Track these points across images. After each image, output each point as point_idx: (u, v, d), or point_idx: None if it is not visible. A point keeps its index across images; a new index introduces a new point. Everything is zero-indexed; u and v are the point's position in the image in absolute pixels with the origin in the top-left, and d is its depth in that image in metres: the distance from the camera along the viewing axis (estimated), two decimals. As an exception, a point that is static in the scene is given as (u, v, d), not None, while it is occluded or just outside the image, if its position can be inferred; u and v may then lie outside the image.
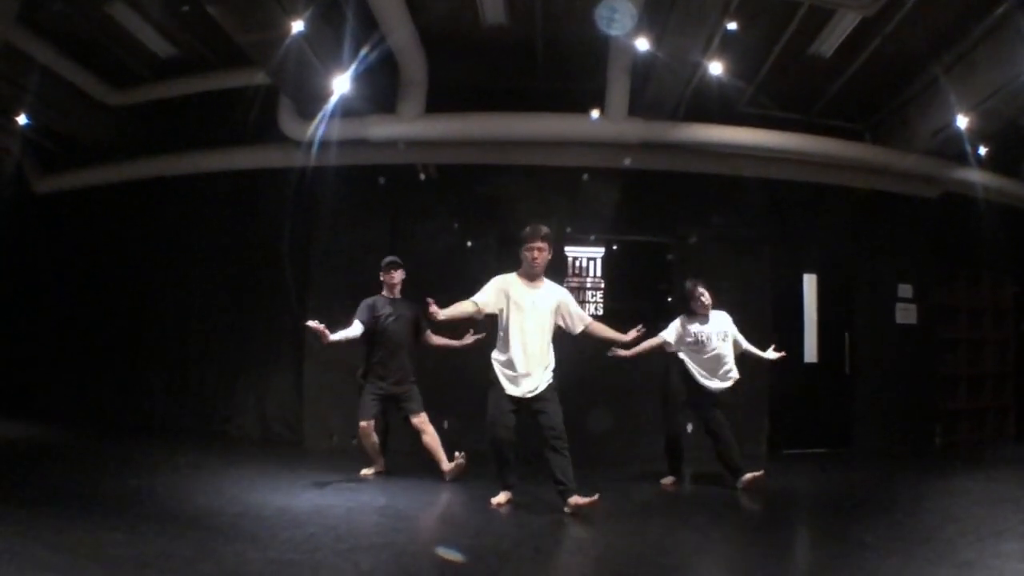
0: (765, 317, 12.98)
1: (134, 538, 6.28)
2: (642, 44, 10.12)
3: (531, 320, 8.26)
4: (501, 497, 8.38)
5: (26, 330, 14.60)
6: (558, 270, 12.41)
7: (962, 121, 11.03)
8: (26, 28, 11.10)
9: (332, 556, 6.09)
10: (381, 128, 11.89)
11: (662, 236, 13.09)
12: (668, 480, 10.09)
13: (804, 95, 12.64)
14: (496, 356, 8.32)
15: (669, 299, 11.41)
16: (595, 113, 11.88)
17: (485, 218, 12.74)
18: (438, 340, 10.20)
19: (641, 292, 11.38)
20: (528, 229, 8.35)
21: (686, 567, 6.54)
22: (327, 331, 9.06)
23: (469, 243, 12.75)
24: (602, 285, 12.89)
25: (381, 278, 10.09)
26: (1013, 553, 6.57)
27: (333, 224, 12.80)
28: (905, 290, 13.51)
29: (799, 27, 10.63)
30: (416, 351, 10.20)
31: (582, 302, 12.76)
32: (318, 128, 11.39)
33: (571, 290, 11.96)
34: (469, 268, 12.33)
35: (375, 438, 9.83)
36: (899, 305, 13.50)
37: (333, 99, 10.85)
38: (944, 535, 7.30)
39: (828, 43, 11.09)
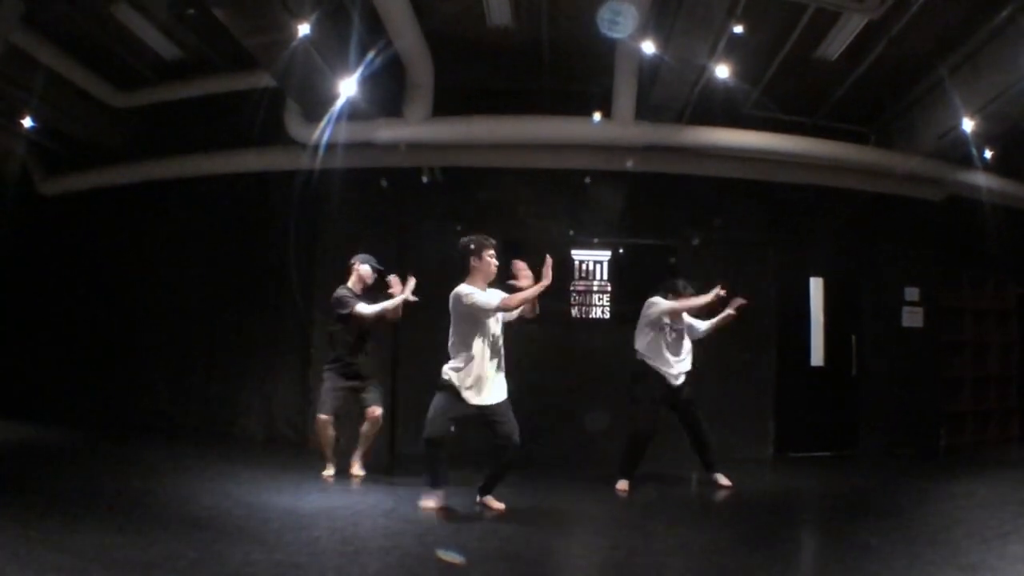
0: (771, 320, 13.00)
1: (139, 540, 6.30)
2: (648, 47, 10.12)
3: (496, 326, 8.25)
4: (432, 501, 8.22)
5: (31, 331, 14.60)
6: (565, 273, 12.46)
7: (967, 124, 11.02)
8: (31, 30, 11.11)
9: (338, 559, 6.11)
10: (388, 131, 11.90)
11: (668, 239, 13.09)
12: (623, 484, 9.78)
13: (809, 98, 12.63)
14: (456, 365, 8.08)
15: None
16: (596, 115, 11.90)
17: (491, 221, 12.72)
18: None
19: (648, 295, 11.37)
20: (484, 237, 8.39)
21: (692, 570, 6.55)
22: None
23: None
24: (609, 288, 12.88)
25: (368, 279, 10.12)
26: (1018, 555, 6.58)
27: (339, 227, 12.80)
28: (911, 293, 13.50)
29: (805, 30, 10.61)
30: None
31: (589, 305, 12.82)
32: (324, 131, 11.40)
33: (579, 293, 12.10)
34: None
35: (332, 432, 9.91)
36: (905, 308, 13.49)
37: (339, 102, 10.85)
38: (949, 537, 7.32)
39: (834, 46, 11.07)
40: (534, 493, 9.36)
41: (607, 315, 12.85)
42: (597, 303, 12.85)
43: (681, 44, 9.88)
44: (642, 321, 10.04)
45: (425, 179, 12.71)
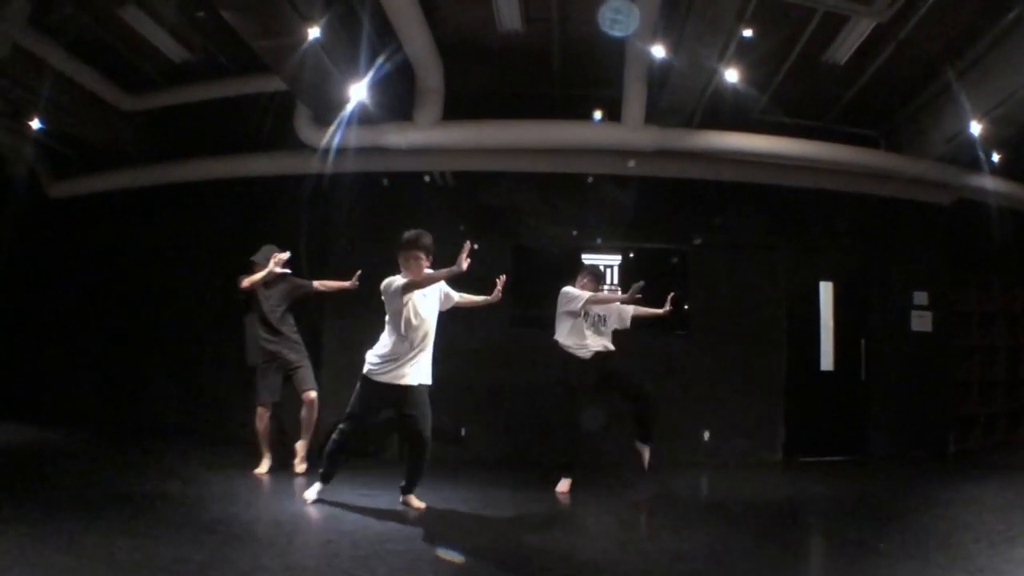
0: (781, 324, 13.01)
1: (147, 543, 6.31)
2: (658, 51, 10.14)
3: (429, 308, 8.34)
4: (315, 490, 8.49)
5: (39, 334, 14.64)
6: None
7: (975, 128, 11.02)
8: (39, 32, 11.13)
9: (348, 562, 6.11)
10: (398, 135, 11.91)
11: (678, 243, 13.11)
12: (565, 486, 9.74)
13: (818, 102, 12.63)
14: (383, 350, 8.19)
15: (686, 306, 11.44)
16: (597, 114, 11.94)
17: (501, 225, 12.76)
18: (322, 285, 10.55)
19: (658, 299, 11.38)
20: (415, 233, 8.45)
21: (699, 573, 6.55)
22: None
23: (477, 247, 12.76)
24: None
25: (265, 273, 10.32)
26: (1026, 559, 6.60)
27: (350, 231, 12.82)
28: (920, 297, 13.49)
29: (813, 34, 10.63)
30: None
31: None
32: (335, 135, 11.42)
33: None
34: (485, 275, 12.37)
35: (267, 427, 10.25)
36: (914, 312, 13.48)
37: (350, 106, 10.87)
38: (957, 541, 7.34)
39: (842, 50, 11.07)
40: (542, 494, 9.38)
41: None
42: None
43: (691, 48, 9.89)
44: (561, 311, 10.12)
45: (427, 179, 12.74)
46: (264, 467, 10.12)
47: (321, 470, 8.52)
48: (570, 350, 9.94)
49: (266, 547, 6.55)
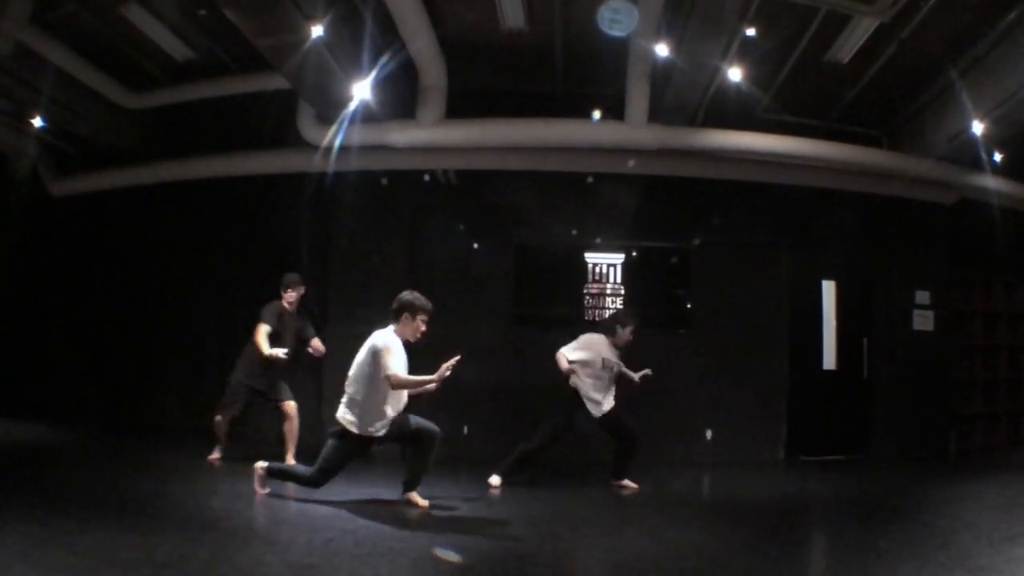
0: (783, 323, 13.01)
1: (150, 540, 6.29)
2: (661, 50, 10.13)
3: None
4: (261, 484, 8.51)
5: (42, 332, 14.63)
6: (578, 277, 12.51)
7: (977, 127, 11.01)
8: (41, 30, 11.13)
9: (350, 561, 6.10)
10: (401, 134, 11.90)
11: (680, 242, 13.11)
12: (496, 480, 9.80)
13: (821, 101, 12.63)
14: (381, 416, 8.18)
15: (688, 305, 11.41)
16: (596, 114, 11.94)
17: (503, 223, 12.77)
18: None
19: (660, 298, 11.38)
20: (427, 303, 8.40)
21: (701, 572, 6.54)
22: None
23: (477, 246, 12.80)
24: (622, 291, 12.89)
25: (282, 293, 10.61)
26: (1027, 558, 6.60)
27: (352, 229, 12.83)
28: (922, 296, 13.49)
29: (816, 33, 10.62)
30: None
31: (602, 308, 12.85)
32: (338, 133, 11.43)
33: (591, 296, 12.17)
34: (486, 273, 12.40)
35: (226, 428, 10.59)
36: (916, 311, 13.48)
37: (352, 104, 10.87)
38: (958, 540, 7.34)
39: (845, 49, 11.07)
40: (543, 494, 9.38)
41: (619, 317, 12.88)
42: (610, 306, 12.85)
43: (694, 47, 9.89)
44: (596, 364, 10.04)
45: (427, 177, 12.74)
46: (218, 454, 10.67)
47: (268, 466, 8.54)
48: (586, 399, 9.94)
49: (268, 545, 6.55)
